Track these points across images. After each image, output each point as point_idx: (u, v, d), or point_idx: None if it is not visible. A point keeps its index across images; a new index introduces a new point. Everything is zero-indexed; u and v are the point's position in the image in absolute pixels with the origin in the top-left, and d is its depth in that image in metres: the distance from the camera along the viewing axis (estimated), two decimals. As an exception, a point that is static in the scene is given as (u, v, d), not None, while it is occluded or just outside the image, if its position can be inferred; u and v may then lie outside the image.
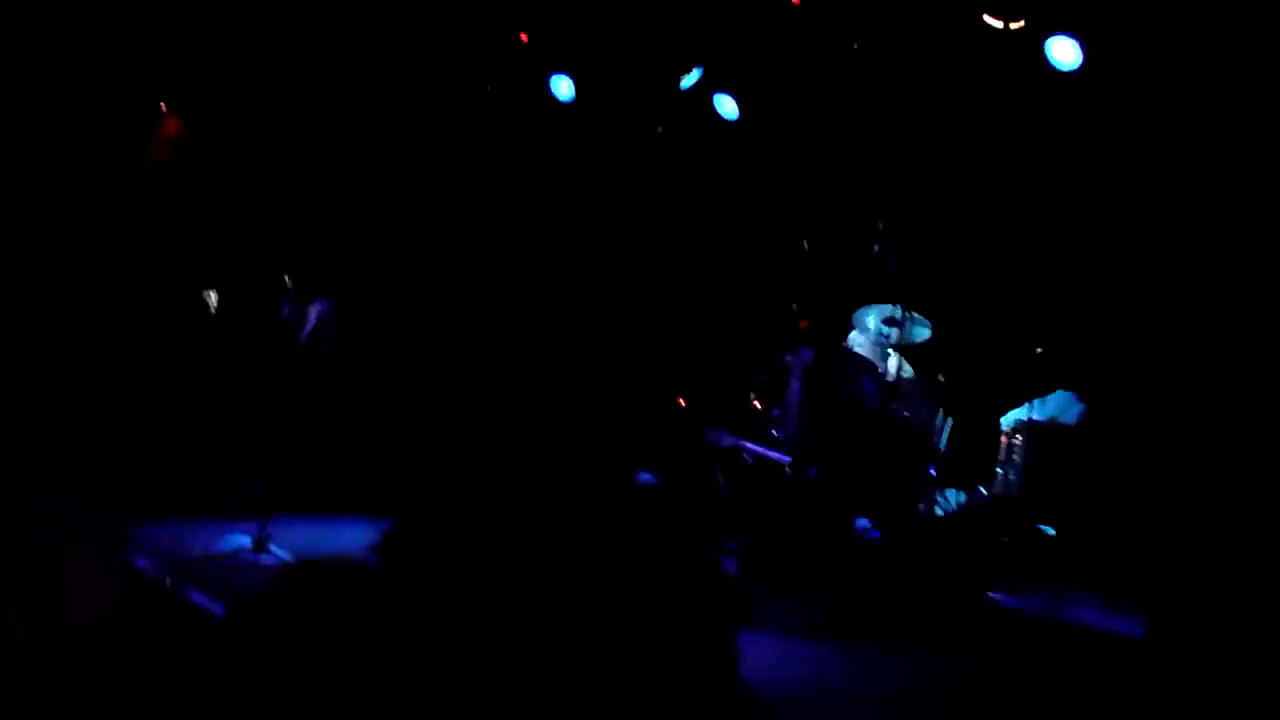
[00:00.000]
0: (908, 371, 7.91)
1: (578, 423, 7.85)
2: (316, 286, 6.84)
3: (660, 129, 9.22)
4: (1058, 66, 7.10)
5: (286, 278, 6.57)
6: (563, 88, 8.84)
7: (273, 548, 5.85)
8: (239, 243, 7.38)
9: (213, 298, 7.27)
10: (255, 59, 8.16)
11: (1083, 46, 7.02)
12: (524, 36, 8.79)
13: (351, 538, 6.37)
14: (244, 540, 5.92)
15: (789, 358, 7.83)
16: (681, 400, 9.00)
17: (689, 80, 8.55)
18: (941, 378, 7.72)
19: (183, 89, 7.90)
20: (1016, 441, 7.50)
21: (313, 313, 6.64)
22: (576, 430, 7.68)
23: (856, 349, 7.89)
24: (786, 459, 7.40)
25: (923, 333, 7.88)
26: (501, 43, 8.82)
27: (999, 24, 7.05)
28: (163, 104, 7.77)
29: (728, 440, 7.62)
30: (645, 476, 6.95)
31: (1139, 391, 7.34)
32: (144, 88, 7.77)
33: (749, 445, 7.61)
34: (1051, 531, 7.21)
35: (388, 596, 1.68)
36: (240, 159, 7.98)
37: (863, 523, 7.03)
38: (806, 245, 8.50)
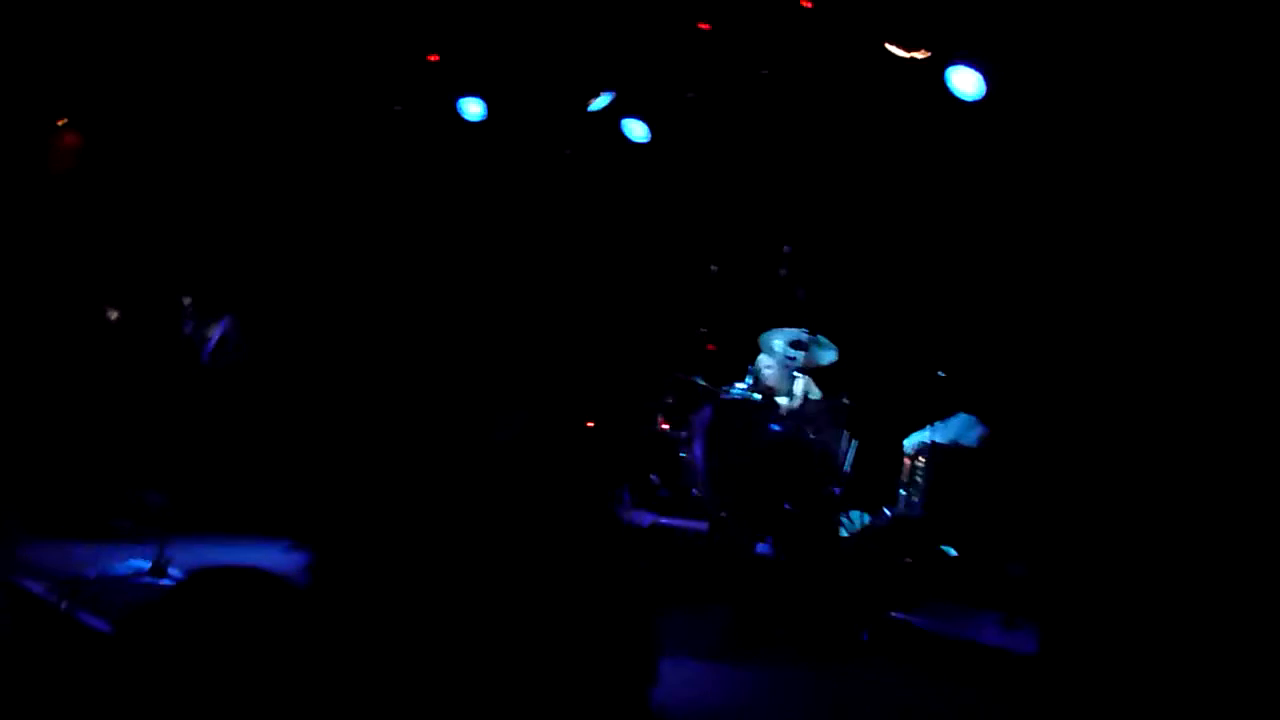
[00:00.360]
0: (815, 393, 8.01)
1: (488, 440, 7.81)
2: (221, 303, 6.72)
3: (569, 151, 9.26)
4: (960, 96, 7.24)
5: (185, 299, 6.47)
6: (472, 108, 8.82)
7: (172, 570, 5.71)
8: (141, 258, 7.23)
9: (113, 314, 7.12)
10: (159, 70, 8.04)
11: (985, 77, 7.17)
12: (433, 57, 8.76)
13: (253, 559, 6.27)
14: (142, 563, 5.78)
15: (693, 412, 7.88)
16: (590, 423, 9.01)
17: (599, 103, 8.59)
18: (846, 400, 7.82)
19: (84, 101, 7.75)
20: (919, 463, 7.61)
21: (216, 330, 6.52)
22: (486, 447, 7.64)
23: (761, 372, 7.96)
24: (704, 526, 7.41)
25: (828, 355, 7.98)
26: (410, 63, 8.78)
27: (903, 53, 7.17)
28: (61, 117, 7.61)
29: (647, 519, 7.61)
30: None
31: (1038, 414, 7.49)
32: (42, 99, 7.61)
33: (666, 521, 7.61)
34: (953, 552, 7.31)
35: (284, 601, 1.65)
36: (143, 172, 7.85)
37: (763, 548, 7.08)
38: (714, 268, 8.58)
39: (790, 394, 7.86)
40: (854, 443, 7.88)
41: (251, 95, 8.42)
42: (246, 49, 8.24)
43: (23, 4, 7.57)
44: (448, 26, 8.40)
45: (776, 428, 7.51)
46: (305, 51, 8.46)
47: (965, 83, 7.20)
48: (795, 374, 7.88)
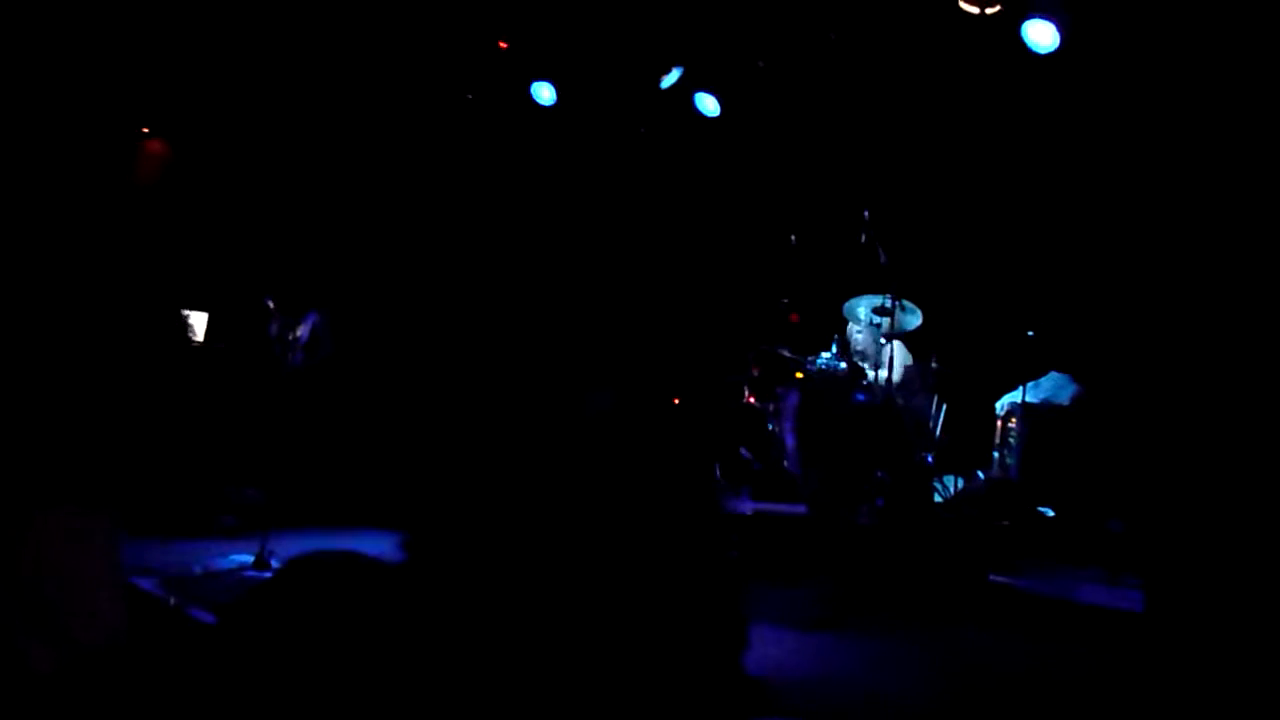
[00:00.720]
0: (905, 359, 7.94)
1: (576, 422, 7.84)
2: (307, 300, 6.84)
3: (643, 130, 9.25)
4: (1035, 49, 7.12)
5: (269, 300, 6.60)
6: (544, 93, 8.86)
7: (274, 563, 5.84)
8: (226, 261, 7.39)
9: (197, 320, 7.28)
10: (235, 75, 8.18)
11: (1059, 28, 7.05)
12: (503, 44, 8.81)
13: (362, 549, 6.39)
14: (245, 558, 5.91)
15: (781, 396, 7.83)
16: (676, 400, 9.02)
17: (669, 80, 8.57)
18: (935, 364, 7.74)
19: (165, 111, 7.91)
20: (1012, 425, 7.52)
21: (304, 326, 6.64)
22: (576, 429, 7.66)
23: (853, 339, 7.91)
24: (803, 509, 7.38)
25: (914, 320, 7.90)
26: (481, 51, 8.84)
27: (975, 9, 7.07)
28: (145, 126, 7.77)
29: (748, 506, 7.58)
30: None
31: (1132, 370, 7.36)
32: (128, 109, 7.78)
33: (766, 506, 7.56)
34: (1050, 512, 7.22)
35: (388, 588, 1.68)
36: (225, 177, 8.00)
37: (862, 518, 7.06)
38: (794, 239, 8.53)
39: (879, 362, 7.80)
40: (944, 406, 7.80)
41: (326, 93, 8.54)
42: (321, 49, 8.36)
43: (104, 15, 7.74)
44: (515, 13, 8.44)
45: (863, 397, 7.46)
46: (377, 48, 8.56)
47: (1041, 35, 7.08)
48: (882, 340, 7.82)
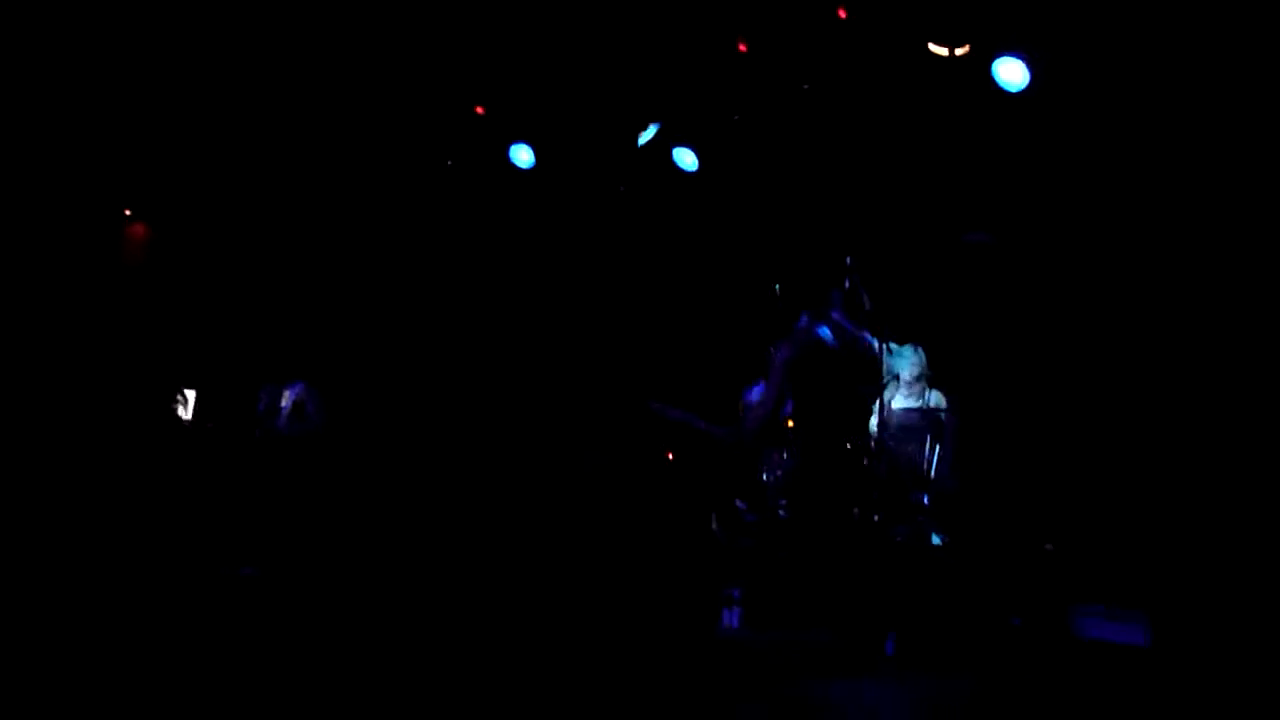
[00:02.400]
0: (906, 402, 7.90)
1: (569, 486, 7.83)
2: (291, 370, 6.85)
3: (622, 188, 9.30)
4: (1006, 88, 7.17)
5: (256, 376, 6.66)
6: (523, 156, 8.92)
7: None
8: (209, 337, 7.39)
9: (189, 395, 7.26)
10: (212, 151, 8.25)
11: (1029, 66, 7.11)
12: (480, 110, 8.88)
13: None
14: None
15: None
16: (670, 455, 8.98)
17: (646, 136, 8.62)
18: (930, 404, 7.72)
19: (145, 195, 7.98)
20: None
21: (289, 396, 6.63)
22: (570, 493, 7.65)
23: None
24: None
25: (904, 363, 7.87)
26: (459, 117, 8.91)
27: (944, 51, 7.13)
28: (127, 209, 7.83)
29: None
30: None
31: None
32: (111, 195, 7.84)
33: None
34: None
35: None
36: (206, 254, 8.03)
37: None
38: (778, 288, 8.53)
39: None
40: (937, 448, 7.76)
41: (306, 165, 8.59)
42: (298, 120, 8.42)
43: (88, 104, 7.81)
44: (492, 77, 8.52)
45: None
46: (355, 121, 8.63)
47: (1011, 73, 7.14)
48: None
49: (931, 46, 7.08)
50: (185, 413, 7.24)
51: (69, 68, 7.42)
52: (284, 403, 6.61)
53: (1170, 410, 6.96)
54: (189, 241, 7.96)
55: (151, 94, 7.90)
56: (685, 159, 8.71)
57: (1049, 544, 7.17)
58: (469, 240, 9.37)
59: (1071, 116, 7.32)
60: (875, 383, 6.71)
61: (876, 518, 6.53)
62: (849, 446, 6.84)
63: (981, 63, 7.09)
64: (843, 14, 7.45)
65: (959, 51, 7.13)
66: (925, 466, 7.63)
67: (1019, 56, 7.09)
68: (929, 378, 7.96)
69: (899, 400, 7.89)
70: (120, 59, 7.54)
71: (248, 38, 7.78)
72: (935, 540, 7.10)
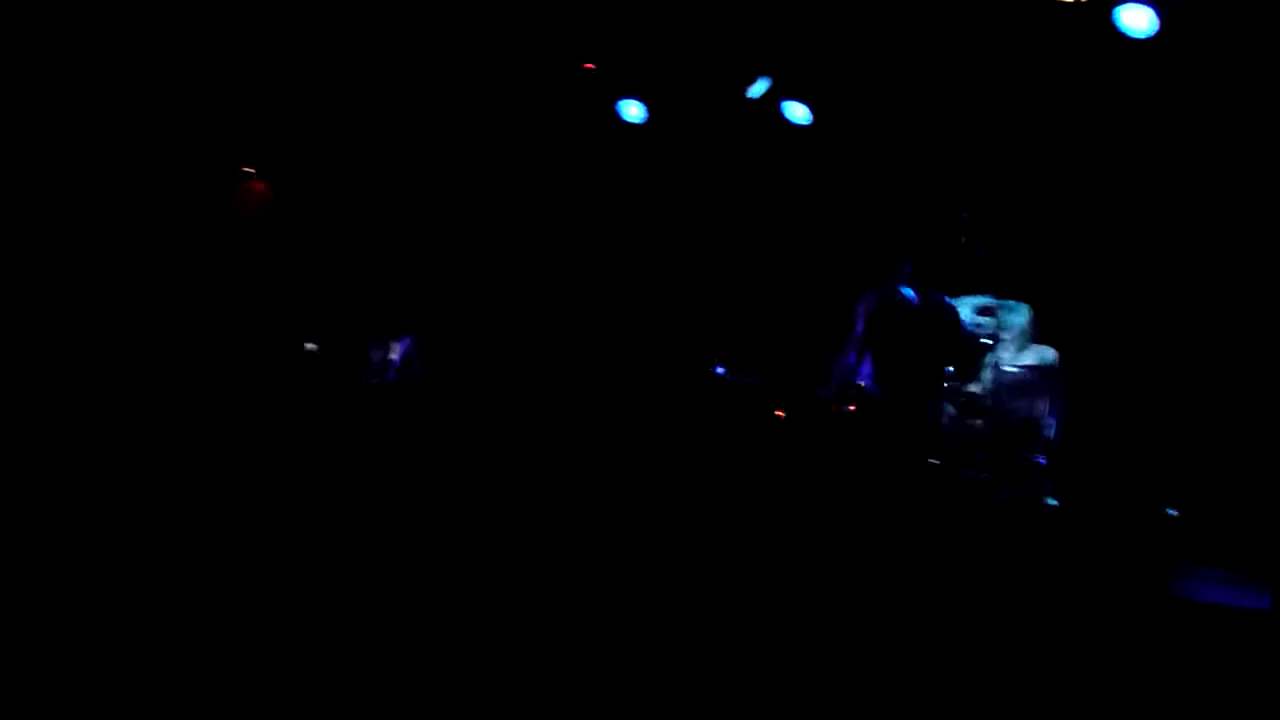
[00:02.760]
0: (1018, 358, 7.74)
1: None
2: (399, 325, 6.96)
3: (733, 140, 9.23)
4: (1131, 34, 6.94)
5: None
6: (632, 110, 8.91)
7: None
8: (322, 292, 7.52)
9: (313, 348, 7.41)
10: (329, 117, 8.39)
11: (1157, 11, 6.87)
12: (589, 65, 8.88)
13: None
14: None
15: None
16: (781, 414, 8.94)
17: (757, 90, 8.54)
18: (1056, 364, 7.55)
19: (266, 151, 8.14)
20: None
21: (398, 350, 6.75)
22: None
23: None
24: None
25: (1018, 319, 7.71)
26: (569, 74, 8.92)
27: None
28: (247, 166, 8.00)
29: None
30: None
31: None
32: (230, 150, 8.03)
33: None
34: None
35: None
36: (319, 212, 8.17)
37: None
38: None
39: (983, 363, 7.63)
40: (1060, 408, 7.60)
41: (417, 124, 8.68)
42: (410, 86, 8.52)
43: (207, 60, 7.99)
44: (599, 32, 8.51)
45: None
46: (465, 82, 8.69)
47: (1136, 20, 6.91)
48: (988, 341, 7.64)
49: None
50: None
51: (182, 23, 7.59)
52: (394, 355, 6.74)
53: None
54: (307, 199, 8.11)
55: (268, 58, 8.05)
56: (797, 112, 8.61)
57: (1170, 508, 7.01)
58: (579, 197, 9.39)
59: (1199, 67, 7.05)
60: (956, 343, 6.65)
61: (983, 477, 6.44)
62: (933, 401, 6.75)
63: (1103, 9, 6.86)
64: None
65: (1080, -2, 6.92)
66: (1040, 425, 7.48)
67: (1145, 2, 6.85)
68: (1036, 335, 7.78)
69: (1009, 356, 7.74)
70: (237, 21, 7.70)
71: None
72: (1050, 502, 6.97)
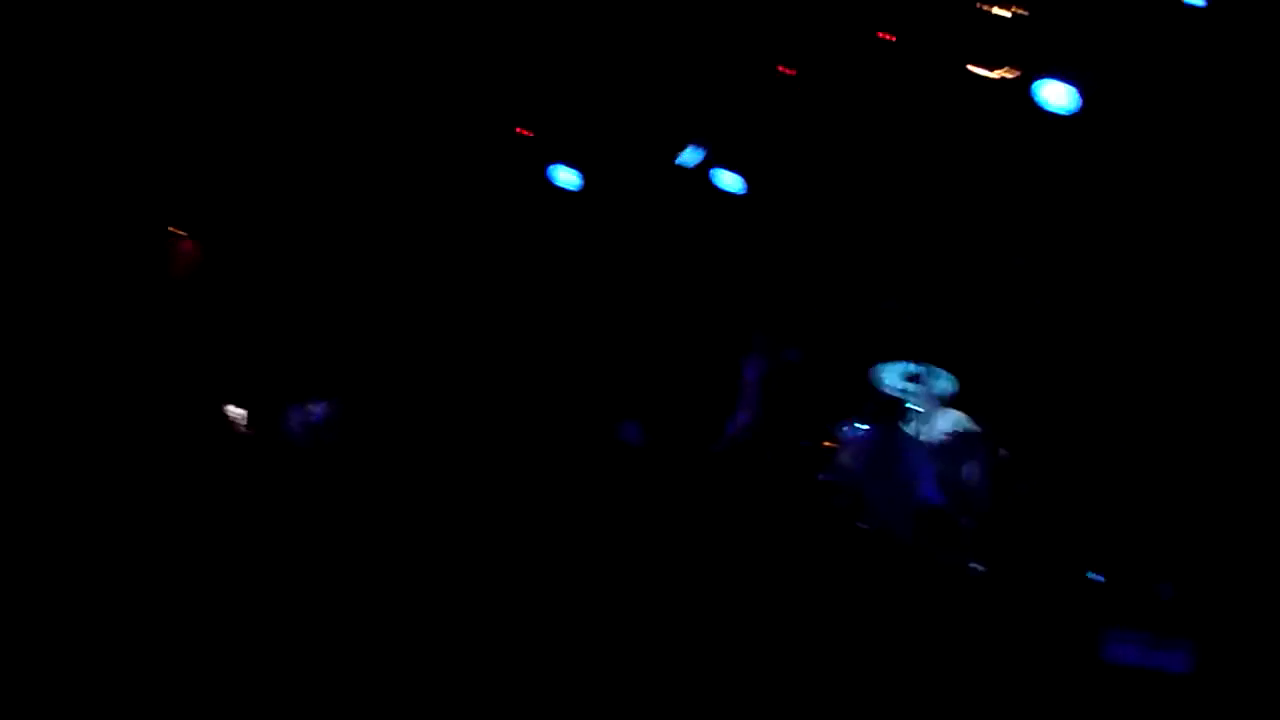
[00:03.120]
0: (954, 426, 7.82)
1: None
2: (318, 387, 6.93)
3: (665, 209, 9.32)
4: (1052, 110, 7.12)
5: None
6: (564, 176, 8.99)
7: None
8: (242, 353, 7.46)
9: (238, 412, 7.33)
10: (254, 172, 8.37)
11: (1077, 89, 7.05)
12: (524, 131, 8.95)
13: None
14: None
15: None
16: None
17: (689, 158, 8.65)
18: (1004, 452, 7.62)
19: (192, 211, 8.10)
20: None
21: (316, 413, 6.70)
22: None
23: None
24: None
25: (944, 385, 7.81)
26: (502, 140, 8.98)
27: (988, 74, 7.10)
28: (174, 227, 7.95)
29: None
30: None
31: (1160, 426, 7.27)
32: (159, 212, 7.98)
33: None
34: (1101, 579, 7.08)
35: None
36: (250, 270, 8.12)
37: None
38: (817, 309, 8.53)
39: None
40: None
41: (348, 187, 8.69)
42: (340, 144, 8.53)
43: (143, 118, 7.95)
44: (533, 99, 8.58)
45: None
46: (398, 144, 8.72)
47: (1056, 96, 7.08)
48: (916, 409, 7.72)
49: (972, 68, 7.05)
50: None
51: (115, 84, 7.55)
52: (313, 417, 6.69)
53: (1213, 431, 6.86)
54: (233, 257, 8.06)
55: (190, 113, 8.02)
56: (727, 180, 8.72)
57: (1093, 572, 7.08)
58: (510, 261, 9.41)
59: (1112, 139, 7.25)
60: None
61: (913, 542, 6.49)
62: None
63: (1024, 86, 7.04)
64: (888, 36, 7.45)
65: (1006, 74, 7.10)
66: (968, 489, 7.55)
67: (1065, 80, 7.03)
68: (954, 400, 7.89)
69: (940, 423, 7.82)
70: (166, 76, 7.67)
71: (297, 59, 7.90)
72: (976, 568, 7.03)
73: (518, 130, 8.81)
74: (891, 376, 7.78)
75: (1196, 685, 5.32)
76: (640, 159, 8.89)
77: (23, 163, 7.36)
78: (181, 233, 7.99)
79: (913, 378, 7.62)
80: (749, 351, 8.05)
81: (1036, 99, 7.04)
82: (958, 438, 7.67)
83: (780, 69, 7.78)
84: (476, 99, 8.51)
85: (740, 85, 8.21)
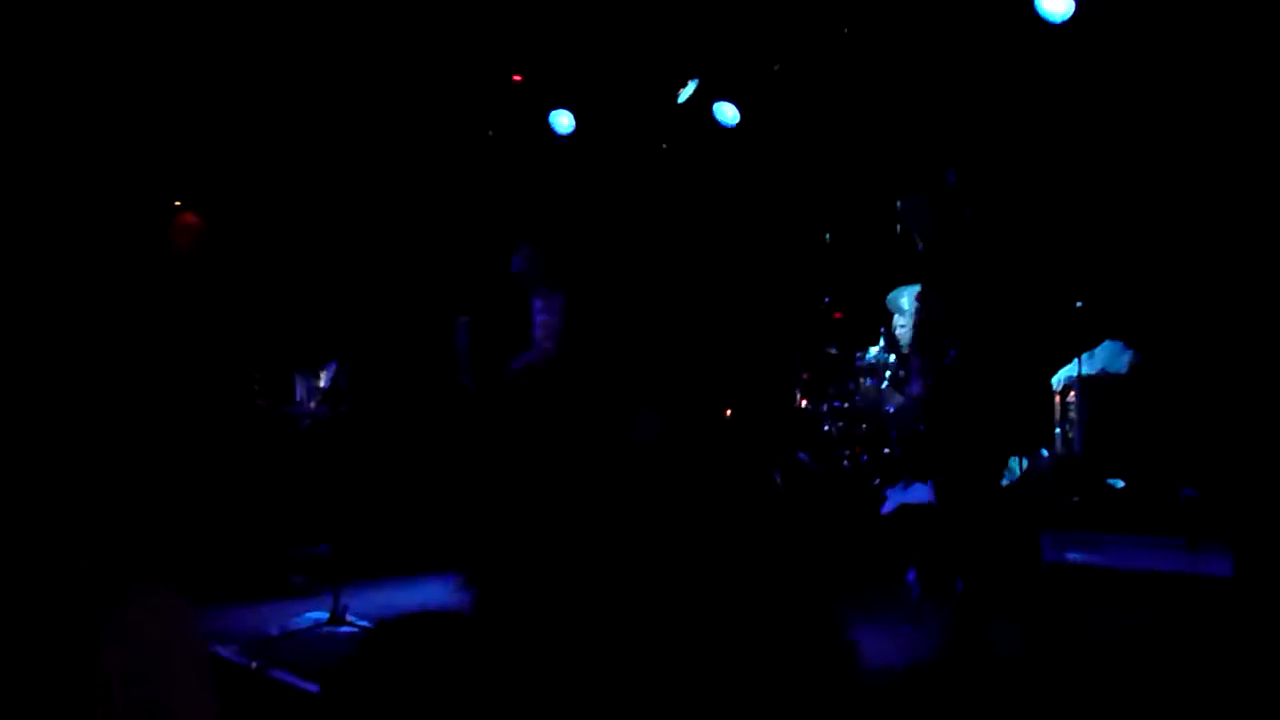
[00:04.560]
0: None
1: (628, 445, 7.81)
2: (325, 350, 6.90)
3: (665, 145, 9.24)
4: (1049, 19, 7.04)
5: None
6: (563, 121, 8.88)
7: (350, 617, 5.83)
8: (245, 322, 7.41)
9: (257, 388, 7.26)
10: (259, 148, 8.28)
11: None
12: (518, 77, 8.84)
13: (428, 596, 6.41)
14: (320, 614, 5.91)
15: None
16: (728, 411, 8.97)
17: (686, 93, 8.56)
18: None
19: (195, 185, 8.03)
20: (1071, 399, 7.41)
21: (325, 376, 6.67)
22: (632, 456, 7.64)
23: (899, 332, 7.83)
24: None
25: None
26: (497, 86, 8.87)
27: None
28: (177, 200, 7.87)
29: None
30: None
31: (1190, 331, 7.23)
32: (162, 186, 7.91)
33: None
34: (1121, 485, 7.10)
35: (482, 643, 1.65)
36: (246, 240, 8.06)
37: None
38: (828, 237, 8.48)
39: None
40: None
41: (346, 141, 8.59)
42: (338, 105, 8.42)
43: (140, 95, 7.84)
44: (528, 45, 8.46)
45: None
46: (394, 95, 8.60)
47: (1054, 4, 7.00)
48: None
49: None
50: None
51: (116, 60, 7.45)
52: (321, 384, 6.66)
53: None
54: (236, 230, 7.99)
55: (194, 86, 7.92)
56: (726, 113, 8.64)
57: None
58: (512, 210, 9.34)
59: (1120, 46, 7.16)
60: None
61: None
62: None
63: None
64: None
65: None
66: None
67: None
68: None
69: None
70: (166, 51, 7.56)
71: (288, 23, 7.77)
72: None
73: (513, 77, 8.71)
74: (905, 299, 7.78)
75: (1241, 585, 5.36)
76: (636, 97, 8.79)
77: (25, 142, 7.29)
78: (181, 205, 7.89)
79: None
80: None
81: (1036, 8, 6.96)
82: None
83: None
84: (472, 47, 8.38)
85: (734, 13, 8.10)
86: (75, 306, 7.04)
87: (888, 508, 7.12)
